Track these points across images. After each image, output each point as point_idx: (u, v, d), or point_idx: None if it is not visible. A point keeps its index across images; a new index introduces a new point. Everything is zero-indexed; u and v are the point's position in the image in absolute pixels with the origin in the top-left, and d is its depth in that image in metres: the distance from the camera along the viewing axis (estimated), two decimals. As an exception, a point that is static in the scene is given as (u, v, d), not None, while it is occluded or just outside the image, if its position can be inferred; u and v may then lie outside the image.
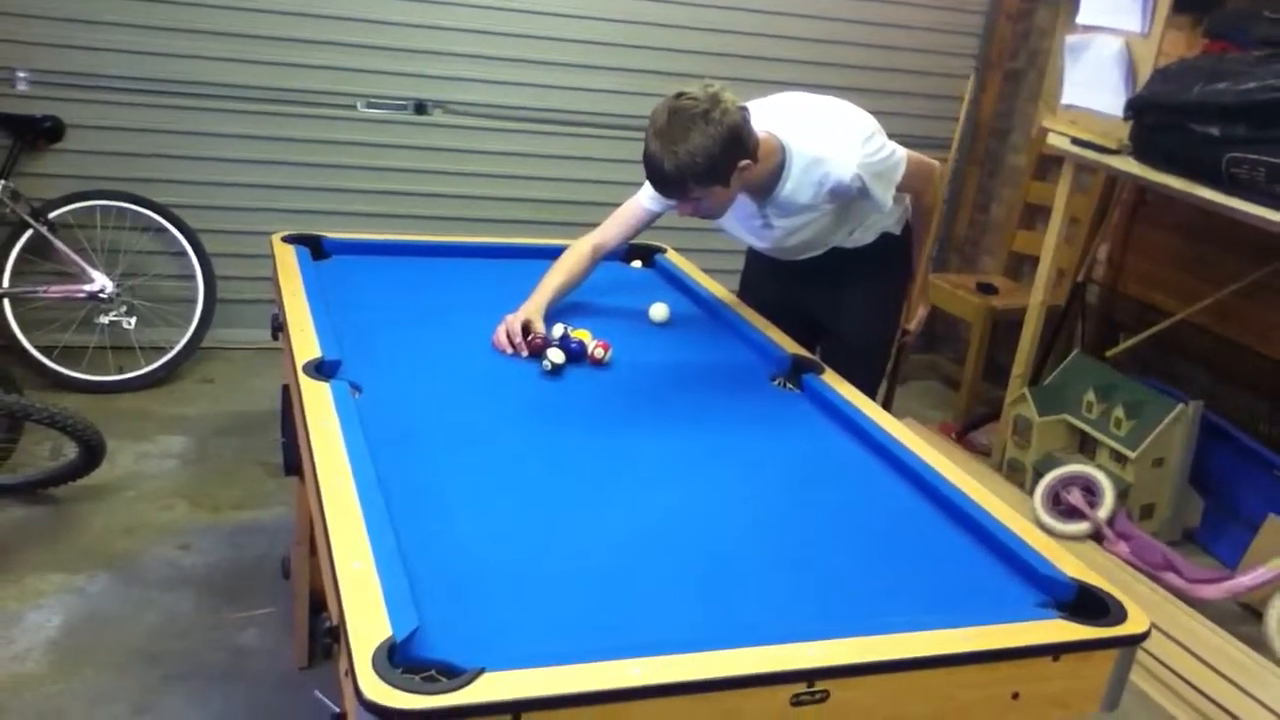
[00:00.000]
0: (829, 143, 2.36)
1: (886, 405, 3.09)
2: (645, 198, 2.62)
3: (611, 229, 2.68)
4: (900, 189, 2.50)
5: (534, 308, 2.43)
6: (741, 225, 2.63)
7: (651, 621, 1.45)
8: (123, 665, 2.62)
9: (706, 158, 2.16)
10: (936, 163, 2.69)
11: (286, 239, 2.76)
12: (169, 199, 4.19)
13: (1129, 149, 3.43)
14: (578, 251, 2.63)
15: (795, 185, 2.39)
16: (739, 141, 2.20)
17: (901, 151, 2.47)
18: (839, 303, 2.74)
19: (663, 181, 2.25)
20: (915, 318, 2.93)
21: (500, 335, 2.35)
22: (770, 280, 2.83)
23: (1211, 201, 3.10)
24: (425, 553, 1.52)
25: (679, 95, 2.21)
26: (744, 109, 2.25)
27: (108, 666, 2.61)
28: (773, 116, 2.39)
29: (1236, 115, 2.96)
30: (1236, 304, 3.50)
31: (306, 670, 2.67)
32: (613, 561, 1.60)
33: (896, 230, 2.73)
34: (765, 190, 2.42)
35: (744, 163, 2.24)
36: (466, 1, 4.32)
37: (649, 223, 2.68)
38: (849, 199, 2.46)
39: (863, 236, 2.66)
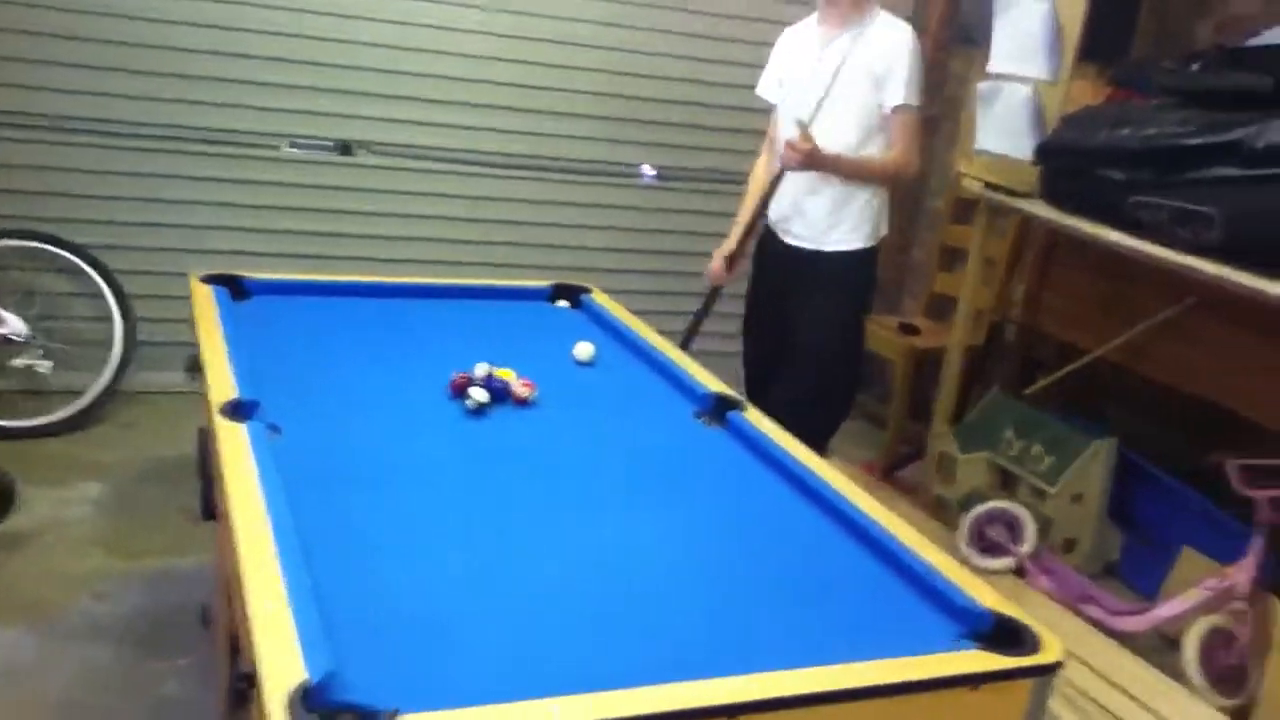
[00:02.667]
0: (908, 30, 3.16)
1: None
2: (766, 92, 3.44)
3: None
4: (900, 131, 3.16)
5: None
6: (796, 83, 3.28)
7: (572, 660, 1.45)
8: (35, 720, 2.53)
9: None
10: (909, 166, 3.24)
11: (205, 279, 2.72)
12: (86, 239, 4.10)
13: (1039, 193, 3.54)
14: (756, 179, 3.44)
15: (881, 29, 3.16)
16: None
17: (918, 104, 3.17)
18: (806, 314, 3.29)
19: None
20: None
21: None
22: (763, 291, 3.49)
23: (1119, 244, 3.20)
24: (344, 595, 1.50)
25: None
26: None
27: (18, 722, 2.52)
28: None
29: (1140, 160, 3.07)
30: (1149, 341, 3.61)
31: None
32: (534, 601, 1.59)
33: (863, 242, 3.25)
34: (860, 19, 3.16)
35: None
36: (392, 44, 4.32)
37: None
38: (883, 79, 3.13)
39: (845, 236, 3.25)
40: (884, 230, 3.33)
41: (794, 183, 3.26)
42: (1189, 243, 2.97)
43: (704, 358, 2.74)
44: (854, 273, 3.31)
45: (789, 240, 3.36)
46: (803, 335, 3.31)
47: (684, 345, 3.09)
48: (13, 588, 3.02)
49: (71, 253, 4.04)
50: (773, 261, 3.44)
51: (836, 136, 3.16)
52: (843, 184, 3.21)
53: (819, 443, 3.12)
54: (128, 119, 4.11)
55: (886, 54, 3.13)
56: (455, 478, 1.95)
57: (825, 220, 3.26)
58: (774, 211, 3.38)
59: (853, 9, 3.16)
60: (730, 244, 3.41)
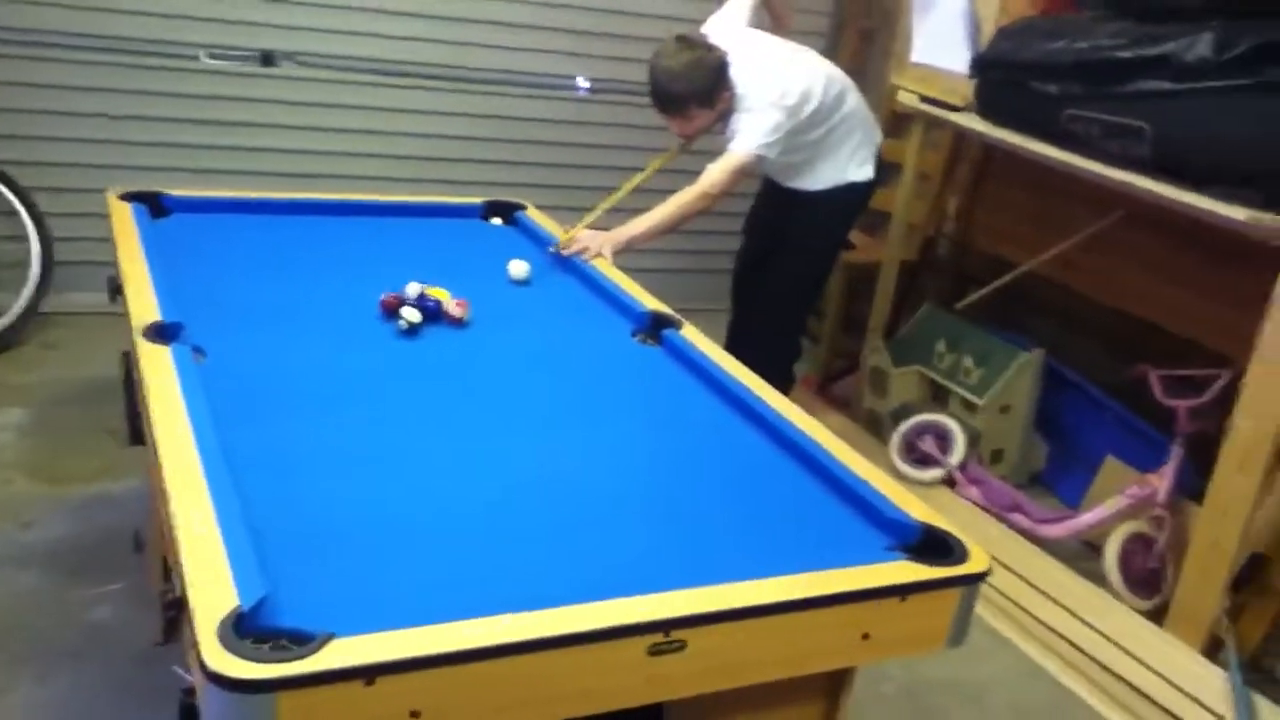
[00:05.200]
0: (751, 87, 3.15)
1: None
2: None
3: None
4: (726, 154, 3.13)
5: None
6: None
7: (508, 578, 1.45)
8: (-36, 649, 2.49)
9: (704, 83, 3.09)
10: (719, 191, 3.12)
11: (123, 196, 2.63)
12: (-2, 156, 3.95)
13: (974, 106, 3.54)
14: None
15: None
16: (724, 77, 3.11)
17: (753, 145, 3.10)
18: (788, 232, 3.44)
19: (666, 101, 3.14)
20: (578, 242, 2.85)
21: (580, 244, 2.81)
22: (762, 207, 3.69)
23: (1050, 157, 3.22)
24: (275, 519, 1.48)
25: (680, 38, 3.14)
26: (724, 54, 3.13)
27: (-54, 651, 2.48)
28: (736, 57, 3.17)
29: (1073, 74, 3.07)
30: (1078, 256, 3.66)
31: (164, 645, 2.57)
32: (470, 519, 1.59)
33: (844, 178, 3.36)
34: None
35: (725, 94, 3.12)
36: (316, -52, 4.16)
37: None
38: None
39: (807, 180, 3.37)
40: (856, 176, 3.41)
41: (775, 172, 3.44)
42: (1120, 157, 2.99)
43: (644, 276, 2.72)
44: (828, 209, 3.43)
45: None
46: (782, 259, 3.49)
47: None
48: (-66, 516, 2.95)
49: (-19, 170, 3.88)
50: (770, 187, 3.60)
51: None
52: (811, 157, 3.33)
53: (780, 359, 3.54)
54: (39, 27, 3.92)
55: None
56: (388, 399, 1.93)
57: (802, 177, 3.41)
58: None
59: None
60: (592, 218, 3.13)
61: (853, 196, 3.44)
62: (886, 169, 3.60)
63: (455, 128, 4.58)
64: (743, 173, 3.16)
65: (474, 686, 1.27)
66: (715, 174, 3.09)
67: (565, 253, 2.79)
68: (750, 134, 3.10)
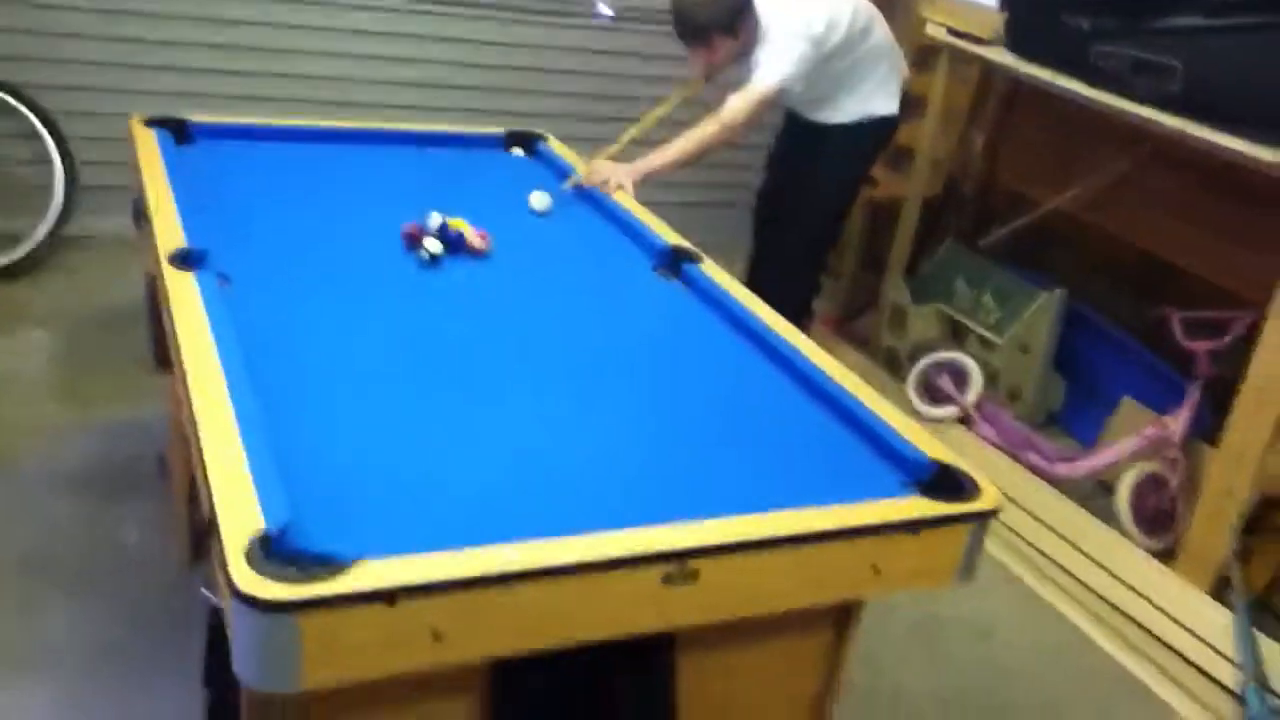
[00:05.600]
0: (775, 17, 3.11)
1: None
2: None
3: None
4: (749, 85, 3.09)
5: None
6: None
7: (527, 507, 1.48)
8: (1, 568, 2.55)
9: (728, 11, 3.05)
10: (740, 122, 3.08)
11: (148, 122, 2.64)
12: (21, 78, 3.93)
13: (1003, 40, 3.48)
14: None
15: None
16: (748, 5, 3.08)
17: (777, 77, 3.06)
18: (810, 166, 3.43)
19: (689, 29, 3.08)
20: (598, 173, 2.83)
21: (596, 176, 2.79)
22: (784, 141, 3.67)
23: (1078, 93, 3.18)
24: (300, 446, 1.51)
25: None
26: None
27: (-18, 569, 2.55)
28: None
29: (1104, 7, 3.02)
30: (1103, 195, 3.62)
31: (191, 567, 2.64)
32: (490, 449, 1.61)
33: (868, 111, 3.34)
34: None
35: (749, 23, 3.08)
36: None
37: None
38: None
39: (830, 113, 3.37)
40: (881, 110, 3.38)
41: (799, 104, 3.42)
42: (1150, 94, 2.95)
43: (664, 210, 2.71)
44: (851, 143, 3.42)
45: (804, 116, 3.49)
46: (798, 193, 3.49)
47: None
48: (-36, 437, 3.01)
49: (6, 93, 3.88)
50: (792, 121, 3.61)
51: None
52: (835, 90, 3.32)
53: (800, 293, 3.57)
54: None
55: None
56: (411, 330, 1.95)
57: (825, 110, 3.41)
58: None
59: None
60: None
61: (877, 130, 3.41)
62: (911, 103, 3.56)
63: (476, 56, 4.54)
64: (765, 104, 3.12)
65: (493, 610, 1.30)
66: (737, 106, 3.06)
67: (586, 184, 2.78)
68: (774, 65, 3.06)
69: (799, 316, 3.24)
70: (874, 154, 3.53)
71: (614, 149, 3.05)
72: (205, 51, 4.20)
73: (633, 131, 3.18)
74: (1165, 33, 2.87)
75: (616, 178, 2.81)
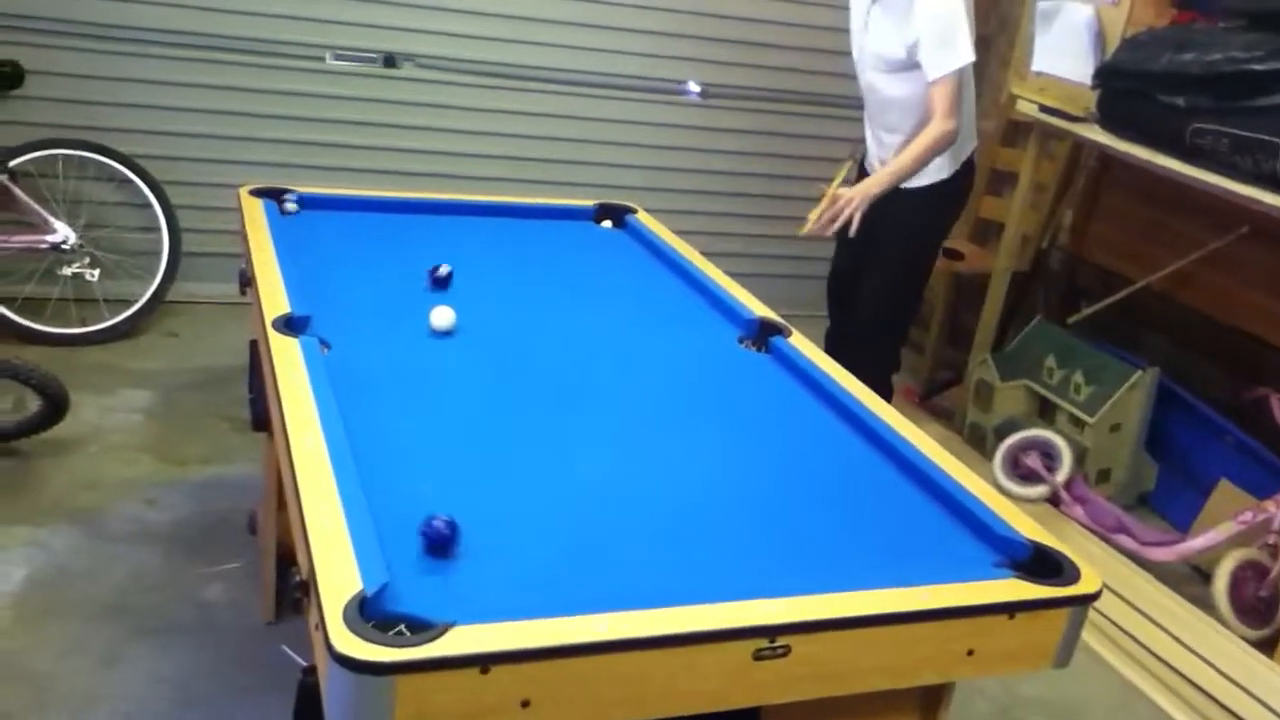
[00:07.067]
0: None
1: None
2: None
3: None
4: (934, 88, 3.01)
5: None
6: (854, 35, 3.30)
7: (618, 576, 1.48)
8: (88, 618, 2.62)
9: None
10: (955, 124, 3.04)
11: (254, 192, 2.74)
12: (133, 149, 4.13)
13: (1095, 117, 3.46)
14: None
15: None
16: None
17: (963, 63, 3.02)
18: (882, 235, 3.25)
19: None
20: (840, 200, 3.02)
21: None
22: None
23: (1175, 171, 3.14)
24: (394, 508, 1.53)
25: None
26: None
27: (73, 620, 2.61)
28: None
29: (1202, 86, 2.99)
30: (1196, 272, 3.56)
31: (273, 625, 2.68)
32: (580, 517, 1.62)
33: (938, 174, 3.22)
34: None
35: None
36: (437, -47, 4.27)
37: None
38: (911, 50, 3.06)
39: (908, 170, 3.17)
40: (949, 173, 3.30)
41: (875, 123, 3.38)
42: (1249, 172, 2.90)
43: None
44: (916, 210, 3.30)
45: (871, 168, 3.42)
46: (872, 265, 3.41)
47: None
48: (63, 492, 3.11)
49: (120, 163, 4.07)
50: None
51: (877, 84, 3.25)
52: (905, 131, 3.23)
53: (876, 369, 3.34)
54: (176, 29, 4.11)
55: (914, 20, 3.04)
56: (501, 395, 1.97)
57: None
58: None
59: None
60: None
61: (946, 192, 3.33)
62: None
63: (567, 130, 4.65)
64: (961, 88, 3.07)
65: (583, 680, 1.30)
66: (940, 108, 3.02)
67: (831, 211, 3.01)
68: (945, 49, 3.01)
69: (878, 391, 3.17)
70: (945, 219, 3.45)
71: (832, 188, 3.17)
72: (304, 125, 4.36)
73: (837, 179, 3.27)
74: (1266, 111, 2.83)
75: (856, 200, 3.00)
